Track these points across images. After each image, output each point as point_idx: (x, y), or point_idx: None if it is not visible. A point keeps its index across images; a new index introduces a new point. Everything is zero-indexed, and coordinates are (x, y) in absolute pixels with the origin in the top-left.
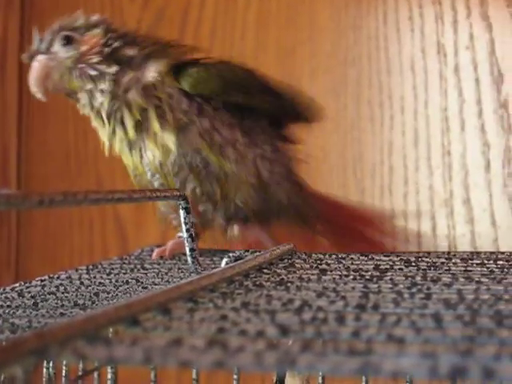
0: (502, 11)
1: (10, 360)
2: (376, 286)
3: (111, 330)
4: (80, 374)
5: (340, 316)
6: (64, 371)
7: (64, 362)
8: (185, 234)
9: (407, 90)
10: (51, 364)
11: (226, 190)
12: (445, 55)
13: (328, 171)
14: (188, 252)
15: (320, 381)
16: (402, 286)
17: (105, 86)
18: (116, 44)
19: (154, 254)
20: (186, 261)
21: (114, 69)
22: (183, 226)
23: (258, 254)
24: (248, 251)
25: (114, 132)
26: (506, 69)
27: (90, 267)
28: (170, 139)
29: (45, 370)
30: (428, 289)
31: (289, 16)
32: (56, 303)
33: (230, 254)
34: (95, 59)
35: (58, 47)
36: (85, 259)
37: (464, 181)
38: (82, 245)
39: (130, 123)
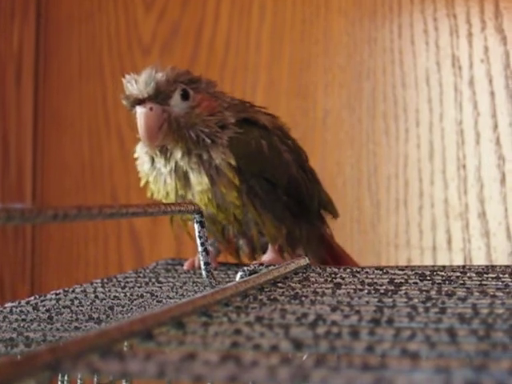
0: None
1: (25, 374)
2: (390, 300)
3: (126, 343)
4: None
5: (354, 330)
6: None
7: (79, 376)
8: (199, 248)
9: (422, 103)
10: (66, 377)
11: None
12: (460, 68)
13: (343, 184)
14: (202, 266)
15: None
16: (416, 300)
17: (213, 154)
18: (227, 112)
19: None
20: (201, 274)
21: (225, 140)
22: (197, 239)
23: (272, 268)
24: (263, 265)
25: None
26: None
27: (105, 281)
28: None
29: (59, 383)
30: (443, 303)
31: (303, 29)
32: (71, 317)
33: (245, 268)
34: (212, 126)
35: (176, 100)
36: (100, 272)
37: (479, 194)
38: (97, 258)
39: (199, 185)
